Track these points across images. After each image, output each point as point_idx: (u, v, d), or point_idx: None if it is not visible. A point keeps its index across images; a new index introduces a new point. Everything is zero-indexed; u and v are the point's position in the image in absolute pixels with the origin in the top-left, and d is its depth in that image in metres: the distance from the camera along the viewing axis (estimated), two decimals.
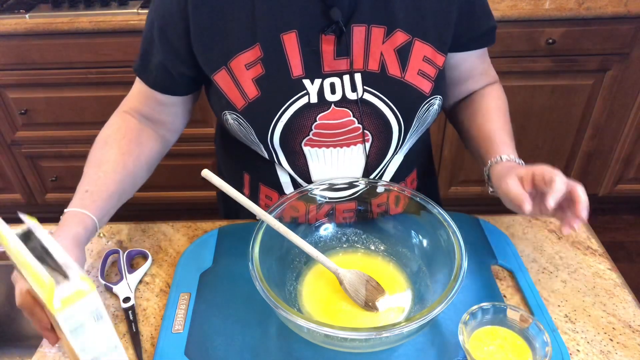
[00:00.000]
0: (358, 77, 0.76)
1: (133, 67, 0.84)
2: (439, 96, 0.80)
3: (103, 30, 1.69)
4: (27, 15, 1.72)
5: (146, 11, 1.69)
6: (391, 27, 0.75)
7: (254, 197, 0.91)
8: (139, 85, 0.85)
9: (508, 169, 0.74)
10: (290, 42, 0.74)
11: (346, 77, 0.76)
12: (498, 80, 0.93)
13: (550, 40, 1.69)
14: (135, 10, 1.71)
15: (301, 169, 0.82)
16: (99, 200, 0.74)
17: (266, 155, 0.84)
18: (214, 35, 0.75)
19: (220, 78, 0.77)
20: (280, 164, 0.83)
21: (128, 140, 0.81)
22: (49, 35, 1.72)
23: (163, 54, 0.79)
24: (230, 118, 0.80)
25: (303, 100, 0.76)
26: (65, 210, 0.72)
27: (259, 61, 0.75)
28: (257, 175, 0.89)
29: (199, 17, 0.74)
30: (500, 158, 0.78)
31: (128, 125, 0.83)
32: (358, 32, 0.75)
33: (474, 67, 0.88)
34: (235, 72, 0.75)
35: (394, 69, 0.76)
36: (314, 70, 0.75)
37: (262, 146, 0.81)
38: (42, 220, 1.15)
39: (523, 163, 0.77)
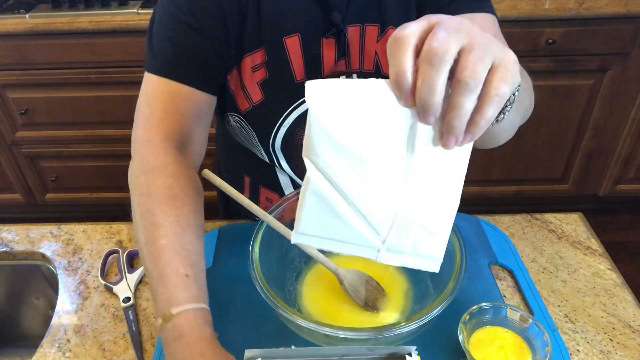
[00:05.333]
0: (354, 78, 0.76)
1: (159, 71, 0.71)
2: None
3: (103, 30, 1.69)
4: (27, 15, 1.72)
5: (146, 11, 1.70)
6: (384, 25, 0.75)
7: (254, 200, 0.90)
8: (169, 89, 0.71)
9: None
10: (293, 46, 0.74)
11: (343, 79, 0.76)
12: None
13: (550, 40, 1.69)
14: (135, 10, 1.71)
15: (303, 172, 0.82)
16: (203, 286, 0.63)
17: (266, 159, 0.83)
18: (235, 29, 0.73)
19: (232, 79, 0.76)
20: (281, 167, 0.83)
21: (193, 209, 0.68)
22: (49, 35, 1.72)
23: (209, 42, 0.71)
24: (232, 120, 0.80)
25: (306, 106, 0.75)
26: (182, 310, 0.57)
27: (264, 65, 0.74)
28: (258, 178, 0.89)
29: (227, 5, 0.71)
30: None
31: (185, 182, 0.70)
32: (353, 32, 0.75)
33: None
34: (243, 73, 0.75)
35: (387, 68, 0.76)
36: (315, 74, 0.75)
37: (262, 149, 0.81)
38: (43, 220, 1.15)
39: None
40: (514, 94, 0.49)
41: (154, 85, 0.72)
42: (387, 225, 0.50)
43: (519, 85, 0.49)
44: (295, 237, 0.51)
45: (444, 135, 0.42)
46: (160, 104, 0.71)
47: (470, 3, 0.73)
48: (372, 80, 0.45)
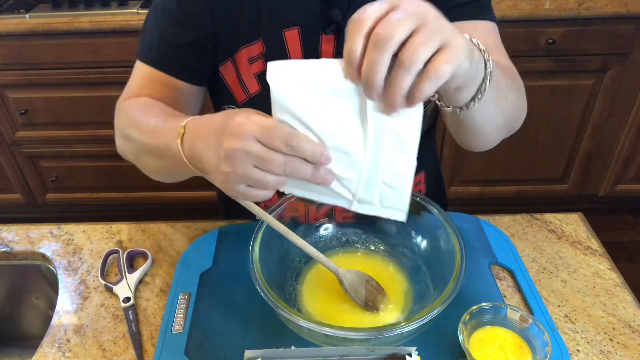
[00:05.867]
0: None
1: (142, 57, 0.78)
2: (435, 94, 0.80)
3: (103, 30, 1.69)
4: (27, 15, 1.72)
5: (146, 11, 1.70)
6: None
7: None
8: (149, 74, 0.77)
9: None
10: (292, 39, 0.74)
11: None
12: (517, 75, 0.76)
13: (550, 40, 1.69)
14: (135, 10, 1.71)
15: None
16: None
17: None
18: (228, 21, 0.74)
19: (225, 70, 0.77)
20: None
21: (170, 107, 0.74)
22: (49, 35, 1.72)
23: (191, 34, 0.74)
24: None
25: None
26: (182, 125, 0.60)
27: (262, 56, 0.75)
28: None
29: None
30: None
31: (158, 102, 0.75)
32: None
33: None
34: (239, 65, 0.76)
35: None
36: None
37: None
38: (43, 220, 1.15)
39: (483, 48, 0.53)
40: (484, 83, 0.53)
41: (138, 70, 0.79)
42: (355, 183, 0.56)
43: (490, 75, 0.53)
44: (286, 189, 0.58)
45: (385, 106, 0.48)
46: (137, 81, 0.78)
47: (475, 11, 0.74)
48: (328, 60, 0.51)
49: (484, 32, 0.75)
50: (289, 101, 0.52)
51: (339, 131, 0.53)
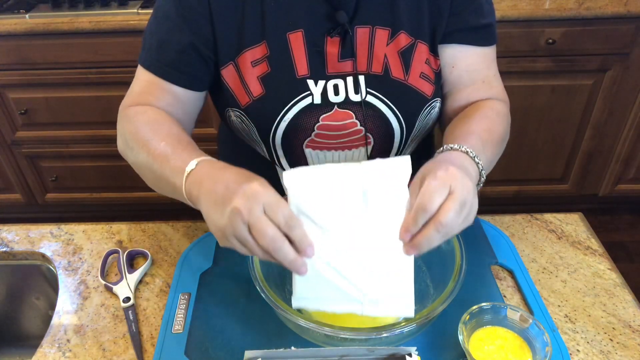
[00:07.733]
0: (362, 79, 0.76)
1: (143, 62, 0.78)
2: (439, 99, 0.80)
3: (103, 30, 1.69)
4: (27, 15, 1.72)
5: (146, 11, 1.70)
6: (396, 29, 0.75)
7: None
8: (150, 79, 0.78)
9: (432, 164, 0.61)
10: (297, 42, 0.74)
11: (350, 79, 0.76)
12: (506, 101, 0.82)
13: (550, 40, 1.69)
14: (135, 10, 1.71)
15: None
16: (198, 150, 0.69)
17: (267, 156, 0.84)
18: (230, 25, 0.74)
19: (227, 73, 0.77)
20: (281, 165, 0.83)
21: (176, 124, 0.75)
22: (49, 35, 1.72)
23: (188, 38, 0.74)
24: (233, 115, 0.81)
25: (307, 101, 0.76)
26: (196, 163, 0.62)
27: (265, 59, 0.75)
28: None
29: (218, 2, 0.73)
30: (446, 148, 0.66)
31: (164, 114, 0.76)
32: (362, 34, 0.75)
33: (474, 68, 0.80)
34: (242, 68, 0.76)
35: (397, 72, 0.76)
36: (319, 71, 0.75)
37: (263, 146, 0.81)
38: (43, 220, 1.15)
39: (476, 158, 0.65)
40: (477, 184, 0.65)
41: (139, 75, 0.79)
42: (364, 279, 0.60)
43: (482, 177, 0.66)
44: (295, 302, 0.62)
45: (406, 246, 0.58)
46: (138, 87, 0.79)
47: (478, 38, 0.79)
48: (342, 165, 0.59)
49: (483, 59, 0.80)
50: (306, 206, 0.57)
51: (349, 233, 0.59)
